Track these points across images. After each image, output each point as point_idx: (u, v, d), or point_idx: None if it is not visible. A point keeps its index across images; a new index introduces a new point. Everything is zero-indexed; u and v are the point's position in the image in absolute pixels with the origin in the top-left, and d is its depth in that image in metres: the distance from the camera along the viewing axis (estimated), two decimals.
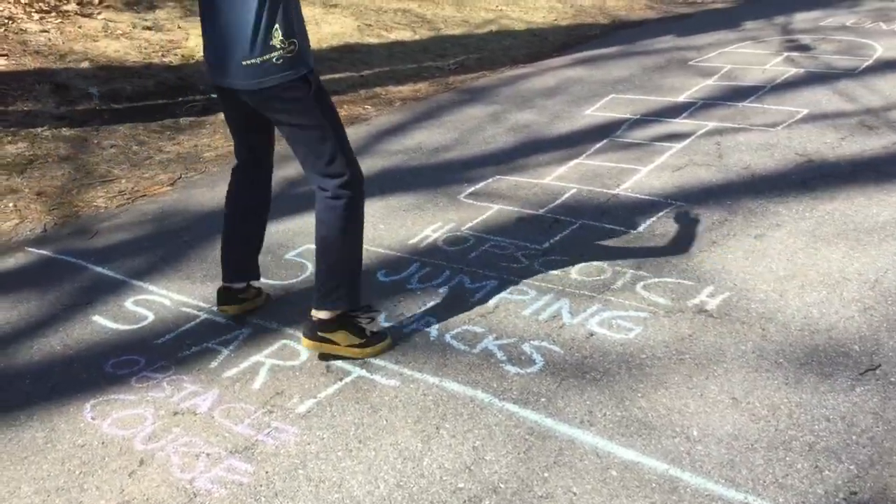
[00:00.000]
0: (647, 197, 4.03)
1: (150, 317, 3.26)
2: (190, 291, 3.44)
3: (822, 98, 5.19)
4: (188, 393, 2.75)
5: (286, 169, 4.74)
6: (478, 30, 7.68)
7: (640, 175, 4.30)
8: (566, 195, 4.14)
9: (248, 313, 3.22)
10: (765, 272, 3.23)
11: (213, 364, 2.92)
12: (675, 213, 3.84)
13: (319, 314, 2.80)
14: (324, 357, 2.87)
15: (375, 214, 4.09)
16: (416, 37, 7.39)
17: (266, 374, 2.84)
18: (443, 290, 3.30)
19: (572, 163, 4.56)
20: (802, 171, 4.17)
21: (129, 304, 3.37)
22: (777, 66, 5.98)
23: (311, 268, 3.58)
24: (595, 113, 5.38)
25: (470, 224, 3.89)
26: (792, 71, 5.84)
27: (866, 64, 5.84)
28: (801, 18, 7.42)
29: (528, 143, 4.93)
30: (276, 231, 3.84)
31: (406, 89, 6.21)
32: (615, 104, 5.47)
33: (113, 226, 4.16)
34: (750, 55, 6.36)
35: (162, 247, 3.87)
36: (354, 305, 2.86)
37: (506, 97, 5.88)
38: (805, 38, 6.69)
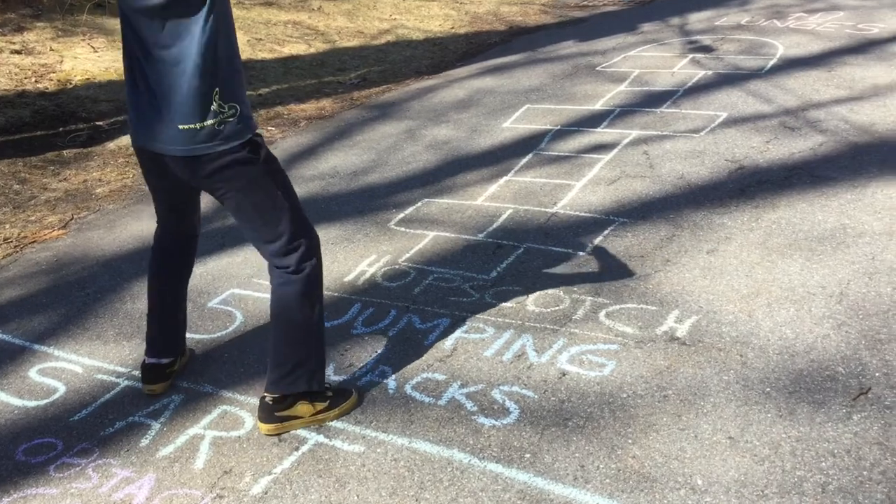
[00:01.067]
0: (587, 214, 3.86)
1: (61, 389, 2.85)
2: (103, 354, 3.04)
3: (738, 100, 5.17)
4: (119, 481, 2.38)
5: None
6: (374, 41, 7.40)
7: (575, 191, 4.13)
8: (503, 217, 3.92)
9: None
10: (727, 291, 3.10)
11: (144, 442, 2.55)
12: (621, 230, 3.68)
13: (271, 391, 2.50)
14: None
15: None
16: (312, 50, 7.05)
17: (208, 449, 2.49)
18: (392, 333, 3.03)
19: (502, 180, 4.35)
20: (737, 178, 4.09)
21: (33, 374, 2.95)
22: (685, 69, 5.96)
23: (240, 317, 3.23)
24: (514, 125, 5.19)
25: (407, 255, 3.62)
26: (700, 73, 5.82)
27: (772, 63, 5.89)
28: (696, 19, 7.48)
29: (451, 161, 4.70)
30: (195, 275, 3.47)
31: (310, 107, 5.86)
32: (532, 115, 5.30)
33: (1, 280, 3.67)
34: (655, 58, 6.32)
35: (63, 303, 3.43)
36: (320, 386, 2.55)
37: (417, 112, 5.63)
38: (705, 39, 6.72)
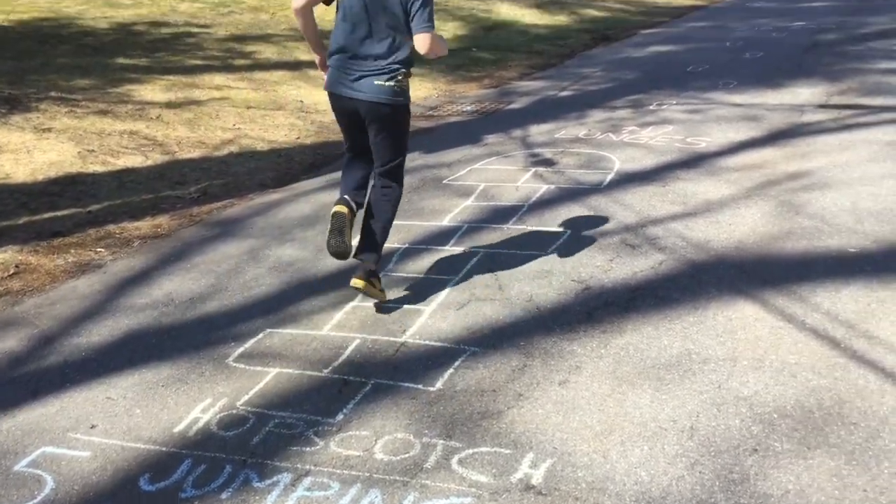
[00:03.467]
0: (437, 343, 3.74)
1: None
2: None
3: (580, 216, 5.27)
4: None
5: (6, 340, 3.95)
6: (217, 152, 7.16)
7: (425, 317, 4.01)
8: (350, 348, 3.74)
9: None
10: (581, 428, 3.02)
11: None
12: (472, 360, 3.57)
13: (370, 265, 3.95)
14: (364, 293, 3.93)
15: (127, 395, 3.43)
16: (149, 162, 6.73)
17: None
18: (226, 495, 2.75)
19: (349, 306, 4.18)
20: (584, 300, 4.10)
21: None
22: (528, 183, 6.06)
23: (50, 482, 2.86)
24: None
25: (246, 397, 3.37)
26: (543, 188, 5.93)
27: (610, 177, 6.07)
28: (537, 131, 7.69)
29: (296, 286, 4.49)
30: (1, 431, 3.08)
31: (145, 225, 5.54)
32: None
33: None
34: (500, 172, 6.41)
35: None
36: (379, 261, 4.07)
37: (261, 229, 5.41)
38: (547, 152, 6.90)
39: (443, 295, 4.25)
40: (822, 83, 8.86)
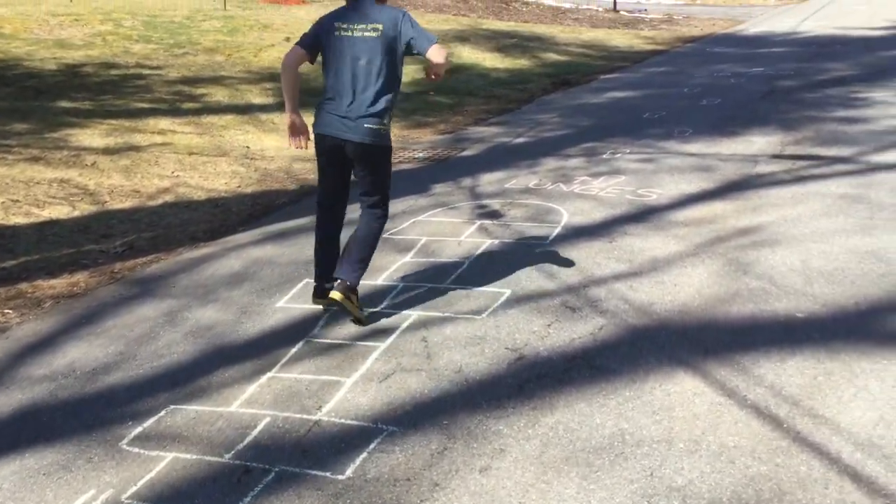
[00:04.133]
0: (354, 422, 3.45)
1: None
2: None
3: (522, 275, 5.03)
4: None
5: None
6: (151, 201, 6.86)
7: (344, 390, 3.73)
8: (258, 428, 3.44)
9: None
10: None
11: None
12: (389, 443, 3.28)
13: (349, 282, 4.26)
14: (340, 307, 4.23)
15: (3, 486, 3.10)
16: (76, 213, 6.41)
17: None
18: None
19: (264, 378, 3.88)
20: (516, 370, 3.84)
21: None
22: (472, 238, 5.83)
23: None
24: (288, 304, 4.78)
25: (134, 488, 3.05)
26: (487, 243, 5.70)
27: (556, 232, 5.86)
28: (487, 180, 7.49)
29: (210, 354, 4.19)
30: None
31: (61, 283, 5.21)
32: (310, 291, 4.91)
33: None
34: (444, 225, 6.18)
35: None
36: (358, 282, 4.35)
37: (184, 288, 5.11)
38: (495, 203, 6.68)
39: (367, 364, 3.97)
40: (777, 132, 8.76)
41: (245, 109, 10.43)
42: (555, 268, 5.13)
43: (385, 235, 5.97)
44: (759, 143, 8.32)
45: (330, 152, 4.27)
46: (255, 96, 11.15)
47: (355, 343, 4.22)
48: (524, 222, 6.15)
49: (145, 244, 5.94)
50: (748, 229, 5.68)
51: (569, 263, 5.19)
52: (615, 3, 25.59)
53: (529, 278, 4.98)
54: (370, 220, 4.44)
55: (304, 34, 4.25)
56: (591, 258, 5.28)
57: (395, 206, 6.78)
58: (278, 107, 10.70)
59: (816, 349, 3.89)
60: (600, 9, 25.82)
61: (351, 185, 4.48)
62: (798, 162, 7.47)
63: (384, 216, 4.49)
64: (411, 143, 9.40)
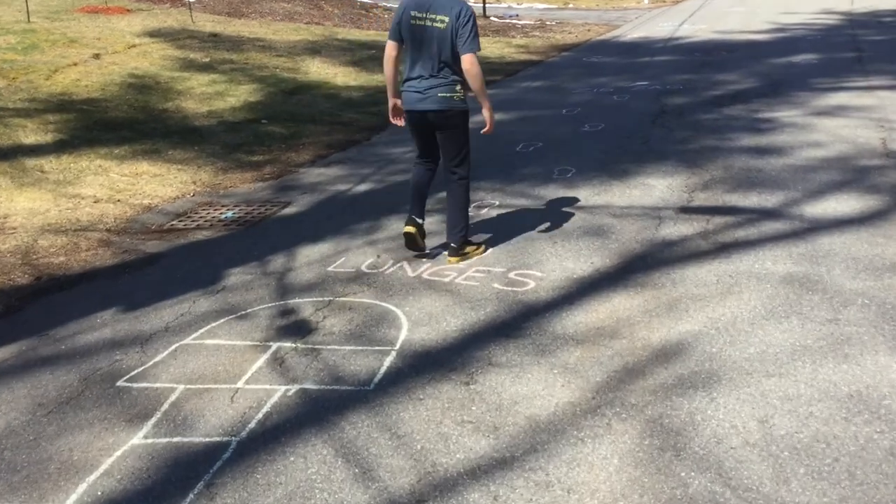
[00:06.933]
0: None
1: None
2: None
3: (319, 473, 3.01)
4: None
5: None
6: None
7: None
8: None
9: None
10: None
11: None
12: None
13: (455, 243, 5.06)
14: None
15: None
16: None
17: None
18: None
19: None
20: None
21: None
22: (258, 381, 3.77)
23: None
24: None
25: None
26: (279, 392, 3.66)
27: (386, 366, 3.87)
28: (306, 259, 5.42)
29: None
30: None
31: None
32: None
33: None
34: (221, 355, 4.09)
35: None
36: (468, 233, 5.21)
37: None
38: (306, 307, 4.63)
39: None
40: (678, 170, 7.04)
41: (7, 153, 8.00)
42: (370, 454, 3.13)
43: (120, 383, 3.85)
44: (658, 187, 6.56)
45: (416, 124, 4.98)
46: (29, 133, 8.71)
47: None
48: (343, 345, 4.13)
49: None
50: (668, 350, 3.84)
51: (394, 442, 3.21)
52: (484, 8, 23.87)
53: (328, 483, 2.96)
54: (454, 187, 5.11)
55: (392, 26, 4.86)
56: (433, 427, 3.31)
57: (159, 312, 4.66)
58: (56, 147, 8.32)
59: None
60: None
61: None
62: (713, 218, 5.73)
63: (466, 176, 5.14)
64: (222, 196, 7.22)
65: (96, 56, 12.63)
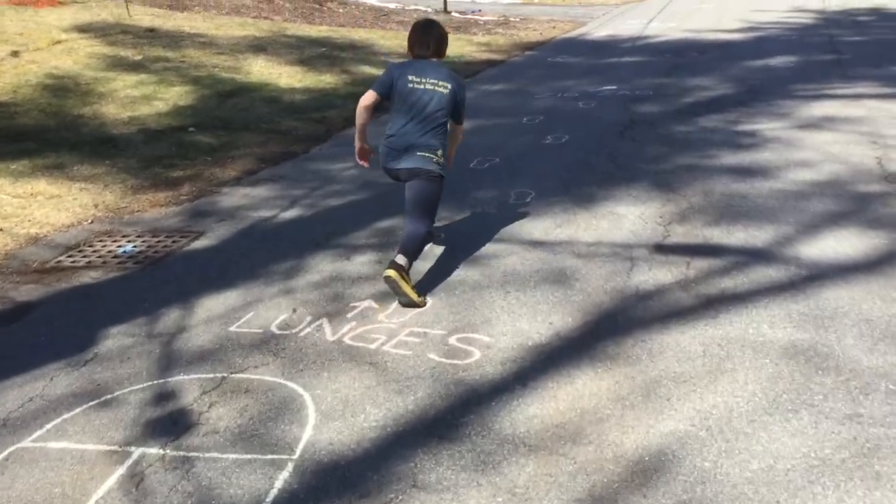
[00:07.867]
0: None
1: None
2: None
3: None
4: None
5: None
6: None
7: None
8: None
9: None
10: None
11: None
12: None
13: (402, 262, 4.45)
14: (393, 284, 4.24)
15: None
16: None
17: None
18: None
19: None
20: None
21: None
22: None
23: None
24: None
25: None
26: None
27: (276, 490, 2.92)
28: (206, 314, 4.46)
29: None
30: None
31: None
32: None
33: None
34: (63, 467, 3.12)
35: None
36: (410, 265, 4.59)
37: None
38: (191, 387, 3.67)
39: None
40: (651, 196, 6.15)
41: None
42: None
43: None
44: (629, 217, 5.67)
45: (395, 178, 4.83)
46: None
47: None
48: (227, 451, 3.17)
49: None
50: (647, 465, 2.94)
51: None
52: (446, 3, 22.86)
53: None
54: (413, 228, 4.71)
55: (380, 81, 4.79)
56: None
57: (2, 399, 3.64)
58: None
59: None
60: (429, 9, 23.02)
61: None
62: (693, 261, 4.85)
63: (428, 228, 4.76)
64: (125, 223, 6.20)
65: (14, 53, 11.50)
